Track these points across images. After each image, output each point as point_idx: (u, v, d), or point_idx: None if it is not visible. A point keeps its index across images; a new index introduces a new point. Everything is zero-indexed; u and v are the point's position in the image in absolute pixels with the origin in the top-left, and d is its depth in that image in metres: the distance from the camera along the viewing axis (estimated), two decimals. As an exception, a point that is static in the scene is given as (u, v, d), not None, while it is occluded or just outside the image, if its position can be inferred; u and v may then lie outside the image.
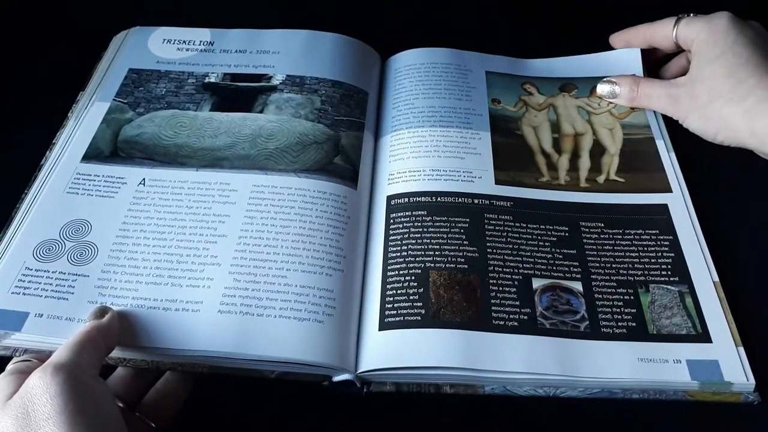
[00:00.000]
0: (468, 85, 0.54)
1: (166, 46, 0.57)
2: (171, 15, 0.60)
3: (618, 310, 0.41)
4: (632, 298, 0.41)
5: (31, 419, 0.30)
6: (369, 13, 0.65)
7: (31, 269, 0.41)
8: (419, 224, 0.44)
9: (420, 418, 0.40)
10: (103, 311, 0.38)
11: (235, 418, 0.40)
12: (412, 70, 0.55)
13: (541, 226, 0.45)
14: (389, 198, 0.47)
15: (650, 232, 0.44)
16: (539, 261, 0.43)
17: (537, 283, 0.42)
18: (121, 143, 0.49)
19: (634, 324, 0.40)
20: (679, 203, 0.46)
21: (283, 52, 0.56)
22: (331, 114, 0.51)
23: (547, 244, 0.44)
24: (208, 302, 0.40)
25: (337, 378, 0.39)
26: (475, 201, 0.46)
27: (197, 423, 0.40)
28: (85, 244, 0.42)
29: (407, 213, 0.45)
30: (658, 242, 0.44)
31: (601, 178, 0.48)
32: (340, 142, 0.49)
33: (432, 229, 0.44)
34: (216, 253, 0.42)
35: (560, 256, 0.43)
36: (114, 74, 0.54)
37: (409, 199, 0.46)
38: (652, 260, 0.43)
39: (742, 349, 0.39)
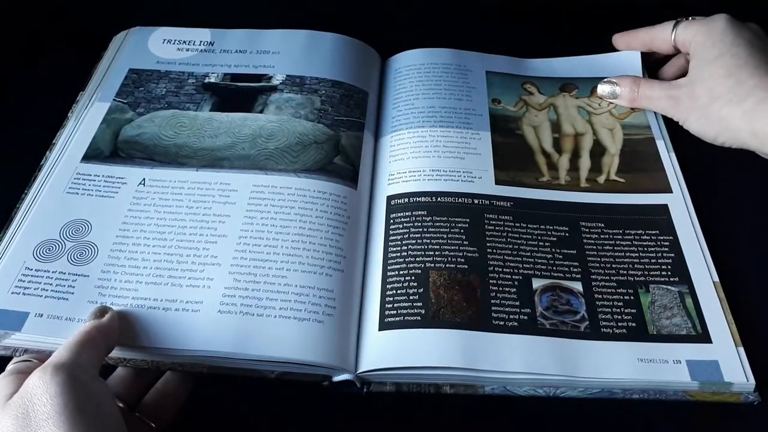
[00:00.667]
0: (468, 86, 0.54)
1: (166, 46, 0.57)
2: (171, 15, 0.60)
3: (618, 310, 0.41)
4: (632, 298, 0.41)
5: (31, 419, 0.30)
6: (369, 13, 0.65)
7: (31, 269, 0.41)
8: (419, 224, 0.44)
9: (420, 418, 0.40)
10: (102, 311, 0.38)
11: (235, 418, 0.40)
12: (413, 71, 0.55)
13: (541, 226, 0.45)
14: (389, 198, 0.47)
15: (650, 232, 0.44)
16: (539, 261, 0.43)
17: (537, 283, 0.42)
18: (121, 143, 0.49)
19: (634, 324, 0.40)
20: (679, 203, 0.46)
21: (283, 52, 0.56)
22: (331, 114, 0.51)
23: (547, 244, 0.44)
24: (208, 302, 0.40)
25: (337, 378, 0.39)
26: (475, 201, 0.46)
27: (197, 423, 0.40)
28: (85, 244, 0.42)
29: (407, 213, 0.45)
30: (658, 242, 0.44)
31: (601, 178, 0.48)
32: (340, 142, 0.49)
33: (432, 230, 0.44)
34: (216, 253, 0.42)
35: (560, 256, 0.43)
36: (114, 74, 0.54)
37: (409, 199, 0.46)
38: (652, 260, 0.43)
39: (742, 349, 0.39)
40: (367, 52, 0.57)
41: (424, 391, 0.39)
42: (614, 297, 0.41)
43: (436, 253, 0.43)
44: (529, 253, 0.43)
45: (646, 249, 0.44)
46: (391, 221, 0.45)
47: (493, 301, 0.40)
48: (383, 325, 0.40)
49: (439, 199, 0.46)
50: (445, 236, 0.44)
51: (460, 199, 0.46)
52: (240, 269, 0.41)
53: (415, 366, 0.38)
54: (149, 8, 0.64)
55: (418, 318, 0.40)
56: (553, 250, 0.43)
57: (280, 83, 0.54)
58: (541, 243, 0.44)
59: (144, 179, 0.46)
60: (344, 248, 0.43)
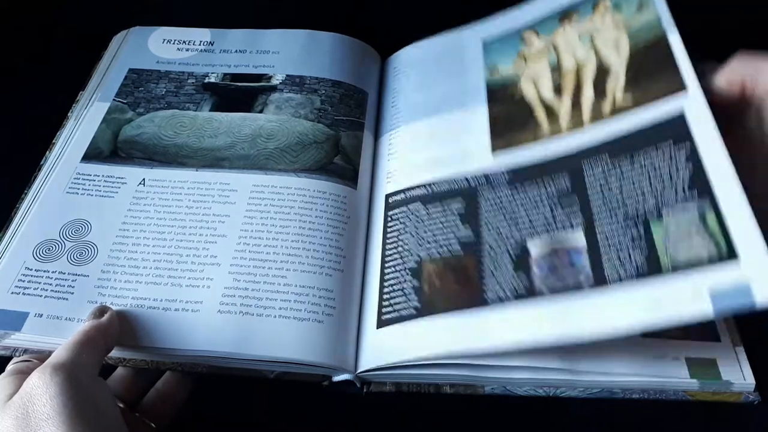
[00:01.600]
0: (463, 64, 0.52)
1: (166, 46, 0.57)
2: (171, 15, 0.61)
3: (624, 248, 0.36)
4: (641, 230, 0.36)
5: (31, 419, 0.30)
6: (369, 13, 0.65)
7: (31, 269, 0.41)
8: (415, 217, 0.44)
9: (420, 418, 0.40)
10: (102, 311, 0.38)
11: (234, 418, 0.40)
12: (410, 66, 0.55)
13: (540, 185, 0.41)
14: (387, 196, 0.46)
15: (662, 144, 0.38)
16: (538, 223, 0.39)
17: (535, 249, 0.39)
18: (121, 143, 0.49)
19: (643, 261, 0.35)
20: (695, 101, 0.38)
21: (282, 52, 0.56)
22: (330, 114, 0.51)
23: (546, 201, 0.40)
24: (208, 302, 0.40)
25: (336, 378, 0.39)
26: (470, 180, 0.44)
27: (197, 423, 0.40)
28: (85, 244, 0.42)
29: (403, 208, 0.45)
30: (672, 154, 0.37)
31: (606, 106, 0.42)
32: (340, 142, 0.49)
33: (427, 220, 0.43)
34: (216, 253, 0.42)
35: (560, 210, 0.39)
36: (114, 74, 0.54)
37: (405, 194, 0.46)
38: (666, 179, 0.37)
39: (741, 349, 0.38)
40: (366, 51, 0.57)
41: (424, 391, 0.39)
42: (619, 234, 0.36)
43: (431, 242, 0.42)
44: (526, 219, 0.40)
45: (658, 167, 0.37)
46: (389, 218, 0.45)
47: (487, 279, 0.39)
48: (380, 323, 0.40)
49: (433, 187, 0.45)
50: (440, 223, 0.43)
51: (454, 183, 0.44)
52: (240, 269, 0.41)
53: (411, 359, 0.37)
54: (149, 8, 0.64)
55: (413, 311, 0.39)
56: (553, 205, 0.40)
57: (279, 83, 0.54)
58: (540, 202, 0.40)
59: (144, 179, 0.46)
60: (344, 248, 0.43)
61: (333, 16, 0.64)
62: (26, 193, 0.46)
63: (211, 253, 0.42)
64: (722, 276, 0.32)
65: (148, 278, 0.41)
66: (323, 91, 0.53)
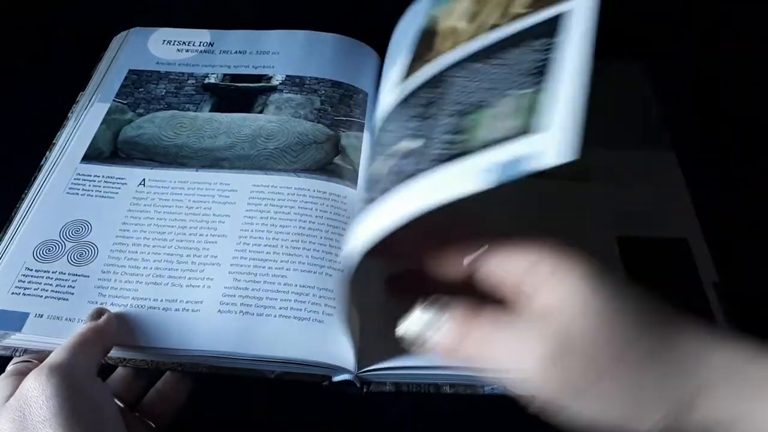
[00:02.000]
0: (414, 26, 0.45)
1: (166, 47, 0.57)
2: (171, 15, 0.61)
3: (444, 141, 0.32)
4: (465, 122, 0.32)
5: (28, 421, 0.30)
6: (369, 13, 0.65)
7: (31, 269, 0.41)
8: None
9: (420, 418, 0.40)
10: (100, 312, 0.38)
11: (234, 418, 0.40)
12: (387, 57, 0.53)
13: (408, 107, 0.37)
14: None
15: (526, 42, 0.32)
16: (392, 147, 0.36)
17: (374, 171, 0.36)
18: (121, 144, 0.49)
19: (454, 148, 0.31)
20: (585, 8, 0.31)
21: (282, 52, 0.56)
22: (330, 114, 0.51)
23: (408, 123, 0.36)
24: (208, 302, 0.40)
25: (336, 378, 0.39)
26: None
27: (197, 423, 0.40)
28: (85, 245, 0.43)
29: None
30: (532, 49, 0.32)
31: (503, 20, 0.36)
32: (340, 142, 0.49)
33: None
34: (216, 253, 0.42)
35: (414, 125, 0.35)
36: (114, 75, 0.54)
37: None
38: (511, 71, 0.32)
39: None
40: (366, 52, 0.57)
41: (424, 391, 0.39)
42: (446, 130, 0.32)
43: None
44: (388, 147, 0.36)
45: (510, 63, 0.32)
46: None
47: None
48: None
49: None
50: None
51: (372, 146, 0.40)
52: (240, 269, 0.41)
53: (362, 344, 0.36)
54: (149, 8, 0.64)
55: None
56: (409, 121, 0.35)
57: (279, 83, 0.54)
58: (403, 126, 0.36)
59: (144, 179, 0.46)
60: (344, 248, 0.43)
61: (333, 16, 0.64)
62: (26, 194, 0.46)
63: (212, 253, 0.42)
64: (512, 150, 0.28)
65: (148, 278, 0.41)
66: (323, 92, 0.53)
